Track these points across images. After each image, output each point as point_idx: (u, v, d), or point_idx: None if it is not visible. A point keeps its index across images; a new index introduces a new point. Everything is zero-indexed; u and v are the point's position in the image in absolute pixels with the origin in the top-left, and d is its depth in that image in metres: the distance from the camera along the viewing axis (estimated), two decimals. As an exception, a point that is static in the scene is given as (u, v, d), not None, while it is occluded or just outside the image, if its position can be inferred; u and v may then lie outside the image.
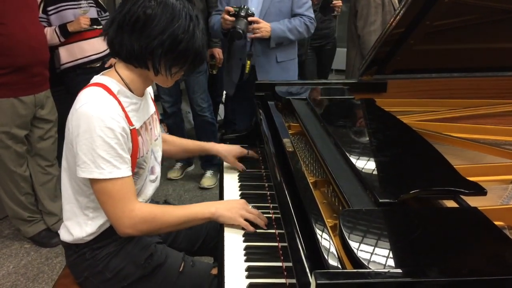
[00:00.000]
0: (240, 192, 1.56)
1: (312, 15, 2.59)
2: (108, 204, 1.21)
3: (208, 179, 3.40)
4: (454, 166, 1.11)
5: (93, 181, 1.20)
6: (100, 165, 1.16)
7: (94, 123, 1.14)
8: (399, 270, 0.76)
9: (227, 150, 1.70)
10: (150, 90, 1.48)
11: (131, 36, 1.20)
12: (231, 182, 1.63)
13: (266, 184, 1.57)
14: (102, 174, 1.17)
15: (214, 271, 1.38)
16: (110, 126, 1.15)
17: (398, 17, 1.62)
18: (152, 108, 1.44)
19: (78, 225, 1.30)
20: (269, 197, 1.48)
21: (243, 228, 1.30)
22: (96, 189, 1.20)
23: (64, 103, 2.93)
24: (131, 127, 1.24)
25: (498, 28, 1.76)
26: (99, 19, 2.91)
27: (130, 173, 1.22)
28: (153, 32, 1.18)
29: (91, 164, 1.16)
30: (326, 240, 0.92)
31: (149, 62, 1.23)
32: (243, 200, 1.37)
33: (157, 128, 1.46)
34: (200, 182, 3.41)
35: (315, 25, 2.60)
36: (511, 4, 1.66)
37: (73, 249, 1.34)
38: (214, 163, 3.37)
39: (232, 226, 1.31)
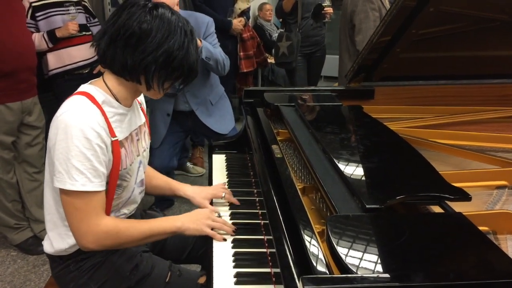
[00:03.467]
0: (229, 198, 1.55)
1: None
2: (73, 216, 1.17)
3: (193, 169, 3.63)
4: (440, 172, 1.13)
5: (62, 191, 1.16)
6: (73, 176, 1.13)
7: (72, 133, 1.12)
8: (385, 275, 0.77)
9: (195, 192, 1.52)
10: (142, 100, 1.46)
11: (124, 51, 1.17)
12: (220, 189, 1.63)
13: (255, 191, 1.57)
14: (74, 185, 1.13)
15: (201, 280, 1.38)
16: (87, 137, 1.13)
17: (385, 25, 1.65)
18: (141, 119, 1.41)
19: (60, 236, 1.28)
20: (257, 204, 1.48)
21: (231, 234, 1.31)
22: (64, 199, 1.17)
23: (52, 110, 2.92)
24: (113, 139, 1.21)
25: (483, 37, 1.79)
26: (88, 25, 2.90)
27: (102, 188, 1.19)
28: (148, 48, 1.16)
29: (65, 175, 1.13)
30: (314, 246, 0.92)
31: (142, 77, 1.20)
32: (207, 209, 1.37)
33: (145, 140, 1.43)
34: (190, 172, 3.62)
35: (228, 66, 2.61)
36: (495, 13, 1.70)
37: (57, 261, 1.32)
38: (184, 156, 3.53)
39: (221, 232, 1.31)
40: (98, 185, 1.17)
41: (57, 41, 2.69)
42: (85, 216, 1.17)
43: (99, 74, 2.92)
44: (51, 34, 2.66)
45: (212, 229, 1.30)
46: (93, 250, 1.22)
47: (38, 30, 2.68)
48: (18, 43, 2.31)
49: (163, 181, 1.58)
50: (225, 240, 1.29)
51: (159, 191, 1.59)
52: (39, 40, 2.64)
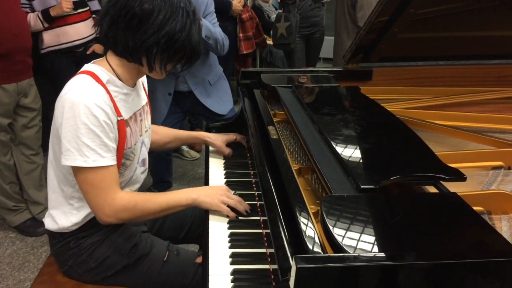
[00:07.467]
0: (225, 180, 1.56)
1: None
2: (90, 193, 1.20)
3: (187, 152, 3.65)
4: (437, 153, 1.13)
5: (76, 169, 1.18)
6: (85, 153, 1.14)
7: (79, 110, 1.12)
8: (379, 254, 0.77)
9: (215, 135, 1.74)
10: (144, 80, 1.46)
11: (126, 33, 1.16)
12: (217, 170, 1.63)
13: (252, 172, 1.57)
14: (86, 162, 1.15)
15: (199, 259, 1.39)
16: (95, 114, 1.14)
17: (383, 4, 1.62)
18: (144, 99, 1.42)
19: (64, 214, 1.29)
20: (254, 185, 1.49)
21: (227, 215, 1.31)
22: (78, 177, 1.19)
23: (48, 91, 2.90)
24: (119, 118, 1.22)
25: (482, 16, 1.77)
26: (86, 0, 2.86)
27: (114, 162, 1.21)
28: (149, 29, 1.14)
29: (75, 152, 1.14)
30: (308, 227, 0.92)
31: (144, 59, 1.20)
32: (225, 186, 1.38)
33: (148, 120, 1.44)
34: (184, 155, 3.65)
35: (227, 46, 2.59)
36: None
37: (58, 237, 1.33)
38: None
39: (217, 213, 1.31)
40: (110, 160, 1.19)
41: (52, 21, 2.66)
42: (101, 191, 1.19)
43: (93, 55, 2.89)
44: (45, 13, 2.62)
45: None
46: (112, 223, 1.25)
47: (33, 10, 2.65)
48: (12, 24, 2.28)
49: (184, 133, 1.77)
50: (237, 218, 1.30)
51: (183, 142, 1.94)
52: (34, 20, 2.61)
